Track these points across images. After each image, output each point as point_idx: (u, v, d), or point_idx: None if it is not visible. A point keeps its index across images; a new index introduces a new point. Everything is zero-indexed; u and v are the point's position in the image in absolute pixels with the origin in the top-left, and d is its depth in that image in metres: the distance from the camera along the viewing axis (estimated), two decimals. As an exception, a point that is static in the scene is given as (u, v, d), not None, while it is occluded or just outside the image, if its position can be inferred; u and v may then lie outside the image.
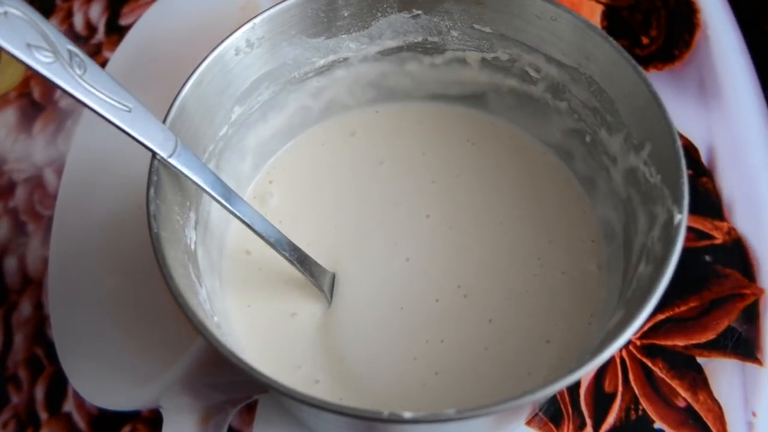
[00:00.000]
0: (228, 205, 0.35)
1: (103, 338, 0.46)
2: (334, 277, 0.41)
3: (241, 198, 0.36)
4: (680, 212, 0.33)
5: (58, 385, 0.46)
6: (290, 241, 0.38)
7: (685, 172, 0.33)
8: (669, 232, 0.33)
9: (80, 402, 0.45)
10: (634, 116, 0.37)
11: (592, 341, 0.37)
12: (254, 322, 0.40)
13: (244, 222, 0.36)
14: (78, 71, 0.29)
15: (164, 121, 0.34)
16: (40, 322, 0.48)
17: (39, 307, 0.49)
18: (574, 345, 0.38)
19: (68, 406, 0.46)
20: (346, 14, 0.40)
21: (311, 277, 0.39)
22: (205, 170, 0.34)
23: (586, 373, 0.29)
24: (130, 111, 0.31)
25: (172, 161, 0.33)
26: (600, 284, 0.40)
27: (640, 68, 0.36)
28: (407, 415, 0.28)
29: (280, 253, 0.38)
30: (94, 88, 0.30)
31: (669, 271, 0.31)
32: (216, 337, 0.29)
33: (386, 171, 0.44)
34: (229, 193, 0.35)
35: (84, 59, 0.30)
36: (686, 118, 0.52)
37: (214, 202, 0.39)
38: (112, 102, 0.31)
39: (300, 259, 0.39)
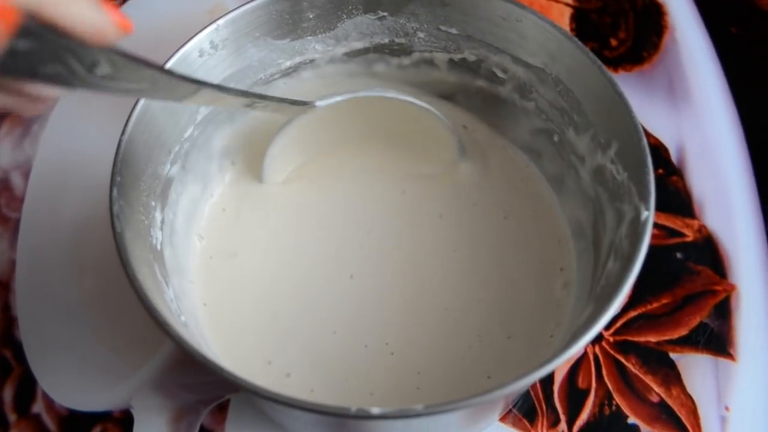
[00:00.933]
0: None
1: (73, 339, 0.46)
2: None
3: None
4: (647, 209, 0.33)
5: (27, 386, 0.46)
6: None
7: (651, 170, 0.33)
8: (636, 228, 0.33)
9: (50, 403, 0.45)
10: (601, 115, 0.37)
11: (562, 340, 0.37)
12: (222, 320, 0.40)
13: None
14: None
15: (127, 121, 0.34)
16: (7, 323, 0.47)
17: (6, 309, 0.48)
18: (542, 343, 0.38)
19: (37, 407, 0.45)
20: (311, 16, 0.40)
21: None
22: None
23: (554, 367, 0.29)
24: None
25: None
26: (565, 284, 0.41)
27: (605, 68, 0.36)
28: (375, 410, 0.28)
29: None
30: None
31: (636, 266, 0.31)
32: (181, 335, 0.29)
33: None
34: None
35: None
36: (656, 118, 0.53)
37: (181, 202, 0.39)
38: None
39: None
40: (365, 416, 0.28)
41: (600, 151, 0.37)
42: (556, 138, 0.41)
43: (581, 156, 0.39)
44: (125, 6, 0.59)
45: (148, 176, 0.36)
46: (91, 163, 0.51)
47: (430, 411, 0.28)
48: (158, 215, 0.37)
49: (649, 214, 0.32)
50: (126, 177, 0.33)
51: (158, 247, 0.36)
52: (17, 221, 0.51)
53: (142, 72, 0.28)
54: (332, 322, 0.40)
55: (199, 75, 0.38)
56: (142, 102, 0.35)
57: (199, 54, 0.38)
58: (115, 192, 0.33)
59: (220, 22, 0.38)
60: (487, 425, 0.42)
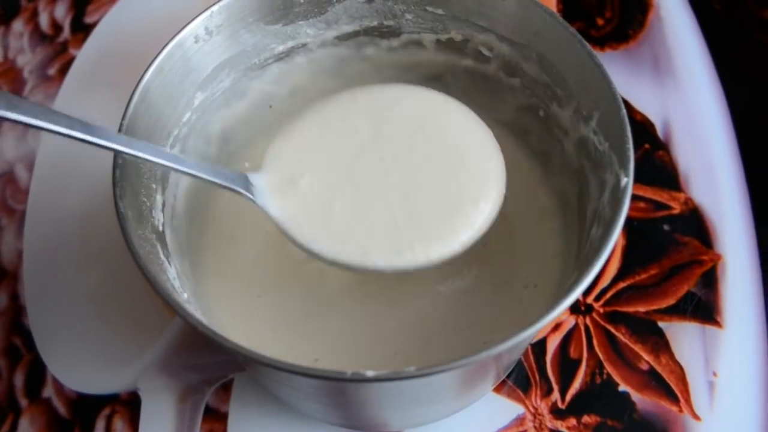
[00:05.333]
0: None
1: (80, 325, 0.47)
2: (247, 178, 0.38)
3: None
4: (626, 176, 0.34)
5: (37, 371, 0.47)
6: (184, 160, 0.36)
7: (630, 138, 0.35)
8: (617, 195, 0.34)
9: (59, 387, 0.46)
10: (582, 88, 0.38)
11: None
12: (226, 301, 0.42)
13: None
14: None
15: (127, 107, 0.35)
16: (16, 312, 0.49)
17: (15, 298, 0.49)
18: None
19: (47, 391, 0.46)
20: (302, 0, 0.41)
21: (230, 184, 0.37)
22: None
23: (542, 326, 0.31)
24: None
25: None
26: (553, 266, 0.42)
27: (585, 41, 0.37)
28: (370, 373, 0.29)
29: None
30: None
31: (617, 229, 0.33)
32: (184, 307, 0.31)
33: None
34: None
35: None
36: (642, 94, 0.54)
37: (180, 186, 0.41)
38: None
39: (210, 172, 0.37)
40: (360, 379, 0.29)
41: (583, 123, 0.39)
42: (541, 113, 0.42)
43: (565, 129, 0.41)
44: (119, 3, 0.61)
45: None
46: (93, 154, 0.52)
47: (422, 373, 0.29)
48: (159, 197, 0.38)
49: (629, 180, 0.34)
50: (127, 160, 0.35)
51: (160, 228, 0.37)
52: (23, 213, 0.52)
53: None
54: (335, 297, 0.42)
55: (195, 60, 0.39)
56: (140, 87, 0.36)
57: (195, 40, 0.39)
58: (117, 174, 0.34)
59: (215, 8, 0.39)
60: (481, 394, 0.43)
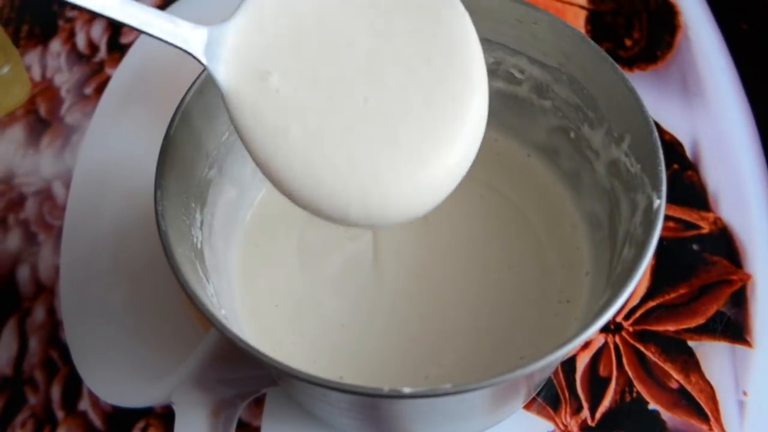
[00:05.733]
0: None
1: (115, 340, 0.48)
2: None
3: None
4: (659, 197, 0.34)
5: (73, 385, 0.48)
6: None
7: (662, 160, 0.35)
8: (649, 216, 0.35)
9: (95, 400, 0.47)
10: (614, 110, 0.38)
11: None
12: (263, 321, 0.42)
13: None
14: None
15: (170, 125, 0.36)
16: (53, 326, 0.50)
17: (52, 312, 0.50)
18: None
19: (83, 404, 0.47)
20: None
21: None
22: None
23: (575, 345, 0.31)
24: None
25: None
26: (584, 283, 0.42)
27: (617, 65, 0.37)
28: (406, 390, 0.30)
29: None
30: None
31: (650, 250, 0.33)
32: (223, 323, 0.31)
33: None
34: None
35: None
36: (671, 115, 0.54)
37: (219, 204, 0.42)
38: None
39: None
40: (398, 395, 0.30)
41: (614, 145, 0.39)
42: (572, 134, 0.43)
43: (596, 151, 0.41)
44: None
45: (188, 179, 0.38)
46: (128, 172, 0.54)
47: (458, 390, 0.30)
48: (198, 216, 0.39)
49: (661, 202, 0.34)
50: (168, 180, 0.35)
51: (199, 246, 0.38)
52: (60, 229, 0.53)
53: None
54: (365, 314, 0.42)
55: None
56: (182, 108, 0.37)
57: None
58: (159, 193, 0.35)
59: None
60: (511, 411, 0.43)
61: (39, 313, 0.50)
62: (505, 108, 0.45)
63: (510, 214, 0.45)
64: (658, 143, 0.35)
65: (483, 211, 0.46)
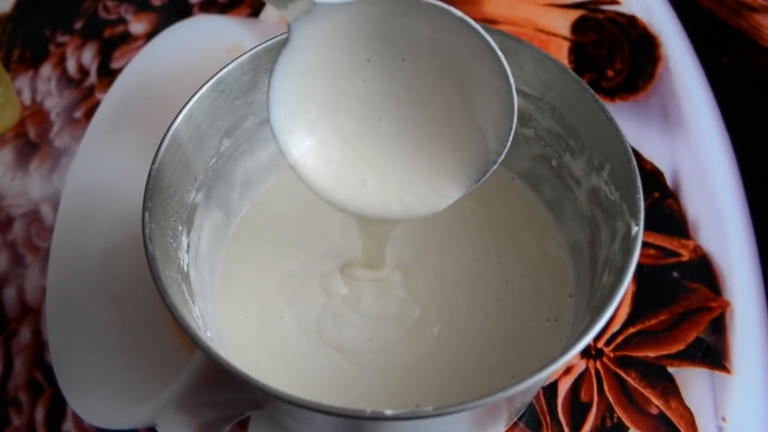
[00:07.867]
0: None
1: (100, 362, 0.48)
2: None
3: None
4: (637, 224, 0.35)
5: (58, 406, 0.48)
6: None
7: (640, 188, 0.36)
8: (628, 243, 0.35)
9: (79, 422, 0.47)
10: (594, 139, 0.39)
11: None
12: (246, 341, 0.43)
13: None
14: None
15: (158, 148, 0.37)
16: (39, 347, 0.50)
17: (38, 333, 0.50)
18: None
19: (68, 426, 0.47)
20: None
21: None
22: None
23: (554, 370, 0.31)
24: None
25: None
26: (566, 304, 0.43)
27: (597, 95, 0.38)
28: (389, 412, 0.30)
29: None
30: None
31: (628, 276, 0.34)
32: (209, 346, 0.32)
33: None
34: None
35: None
36: (651, 144, 0.55)
37: (205, 227, 0.42)
38: None
39: None
40: (380, 417, 0.30)
41: (594, 173, 0.40)
42: (554, 163, 0.44)
43: (577, 179, 0.42)
44: (144, 49, 0.63)
45: (175, 202, 0.38)
46: (116, 195, 0.54)
47: (439, 412, 0.30)
48: (185, 239, 0.39)
49: (639, 229, 0.35)
50: (156, 202, 0.36)
51: (185, 268, 0.39)
52: (47, 250, 0.53)
53: None
54: (347, 335, 0.43)
55: (222, 107, 0.41)
56: (171, 132, 0.37)
57: (221, 90, 0.40)
58: (146, 216, 0.35)
59: (245, 57, 0.40)
60: (494, 436, 0.44)
61: (24, 335, 0.51)
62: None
63: (501, 229, 0.46)
64: (636, 171, 0.36)
65: (475, 225, 0.46)
